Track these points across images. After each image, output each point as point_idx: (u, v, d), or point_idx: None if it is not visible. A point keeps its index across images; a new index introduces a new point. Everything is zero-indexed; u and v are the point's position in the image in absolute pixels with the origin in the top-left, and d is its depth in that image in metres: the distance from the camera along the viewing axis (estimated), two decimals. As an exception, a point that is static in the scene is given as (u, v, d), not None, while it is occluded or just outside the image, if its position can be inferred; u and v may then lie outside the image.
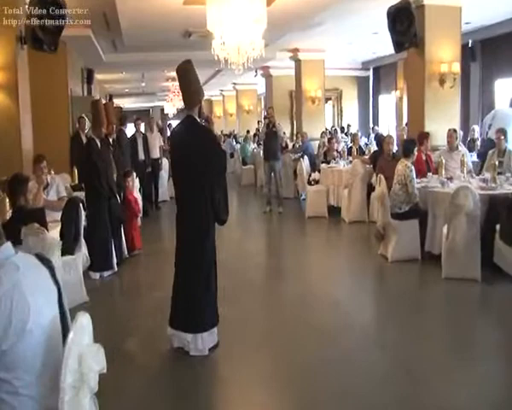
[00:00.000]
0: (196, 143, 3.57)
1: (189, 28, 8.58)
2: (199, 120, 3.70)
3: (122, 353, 3.82)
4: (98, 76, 15.35)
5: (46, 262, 1.81)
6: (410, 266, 5.59)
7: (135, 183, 7.87)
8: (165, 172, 11.13)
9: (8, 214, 3.83)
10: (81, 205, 5.16)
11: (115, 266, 5.95)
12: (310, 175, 9.35)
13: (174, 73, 15.02)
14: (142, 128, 10.36)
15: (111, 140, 6.98)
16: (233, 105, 21.06)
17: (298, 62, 12.48)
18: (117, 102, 25.14)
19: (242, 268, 6.04)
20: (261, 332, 4.20)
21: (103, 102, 6.94)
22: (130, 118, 33.67)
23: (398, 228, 5.65)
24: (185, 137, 3.64)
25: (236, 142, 17.61)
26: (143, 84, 18.39)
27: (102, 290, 5.55)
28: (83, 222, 5.16)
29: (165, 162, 11.19)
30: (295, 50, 12.03)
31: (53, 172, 5.94)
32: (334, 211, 8.64)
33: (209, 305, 3.66)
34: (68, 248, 4.91)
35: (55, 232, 4.70)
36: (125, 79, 16.52)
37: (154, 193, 10.23)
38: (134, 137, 9.73)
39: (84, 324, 1.78)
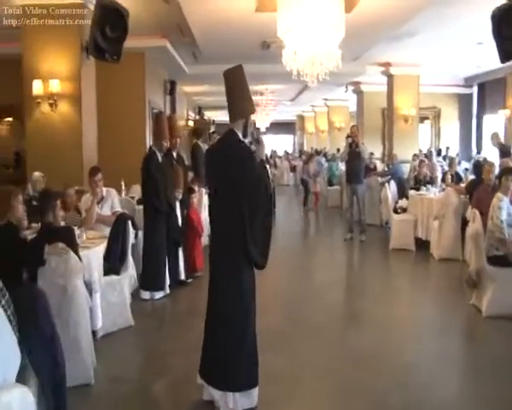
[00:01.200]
0: (230, 165, 3.04)
1: (266, 39, 8.18)
2: (240, 137, 3.15)
3: (147, 395, 3.44)
4: (186, 88, 15.67)
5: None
6: (510, 326, 4.53)
7: (202, 200, 7.59)
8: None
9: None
10: (130, 222, 4.91)
11: (167, 288, 5.65)
12: (396, 202, 8.41)
13: (260, 87, 14.87)
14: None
15: (174, 154, 6.74)
16: (324, 122, 20.49)
17: (390, 77, 11.61)
18: (208, 114, 25.79)
19: (307, 307, 5.33)
20: (317, 395, 3.47)
21: (168, 114, 6.72)
22: (223, 130, 34.68)
23: (496, 275, 4.64)
24: (219, 156, 3.13)
25: (326, 160, 16.95)
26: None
27: (149, 314, 5.28)
28: (130, 240, 4.89)
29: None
30: (387, 64, 11.19)
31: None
32: (422, 244, 7.63)
33: (243, 364, 3.06)
34: (113, 268, 4.68)
35: (100, 248, 4.48)
36: (213, 92, 16.59)
37: None
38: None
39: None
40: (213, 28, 7.52)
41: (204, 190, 7.88)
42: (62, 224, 4.00)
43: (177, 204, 6.04)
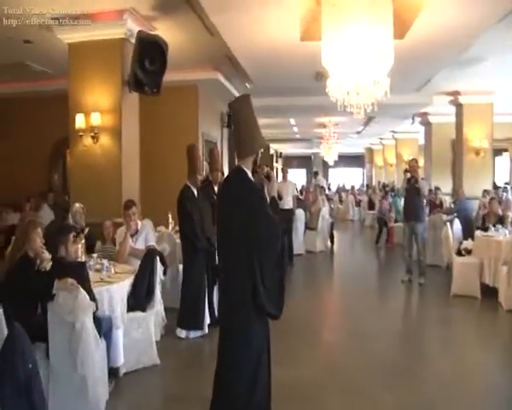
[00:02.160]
0: (236, 203, 2.83)
1: (319, 69, 8.01)
2: (249, 175, 2.95)
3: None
4: (247, 121, 15.84)
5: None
6: None
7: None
8: (300, 224, 10.71)
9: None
10: (158, 258, 4.84)
11: (206, 327, 5.47)
12: (461, 243, 7.73)
13: (324, 119, 14.75)
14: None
15: (216, 188, 6.67)
16: (392, 155, 19.80)
17: (459, 107, 10.95)
18: (275, 147, 25.97)
19: (347, 357, 4.91)
20: None
21: (211, 148, 6.71)
22: (291, 164, 34.50)
23: None
24: (227, 194, 2.93)
25: (393, 195, 16.27)
26: (295, 130, 18.38)
27: (179, 354, 5.11)
28: (158, 277, 4.81)
29: (301, 213, 10.73)
30: (455, 93, 10.59)
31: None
32: (488, 292, 6.87)
33: None
34: (139, 304, 4.60)
35: (125, 284, 4.43)
36: (274, 124, 16.67)
37: (287, 246, 9.70)
38: (261, 185, 9.40)
39: None
40: (261, 60, 7.49)
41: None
42: (83, 258, 4.00)
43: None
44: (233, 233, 2.85)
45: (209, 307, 5.55)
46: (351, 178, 29.86)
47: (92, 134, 5.86)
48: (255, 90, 10.46)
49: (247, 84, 9.60)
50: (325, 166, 29.25)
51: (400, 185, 8.97)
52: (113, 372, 4.16)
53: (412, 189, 7.88)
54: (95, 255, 4.95)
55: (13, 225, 7.74)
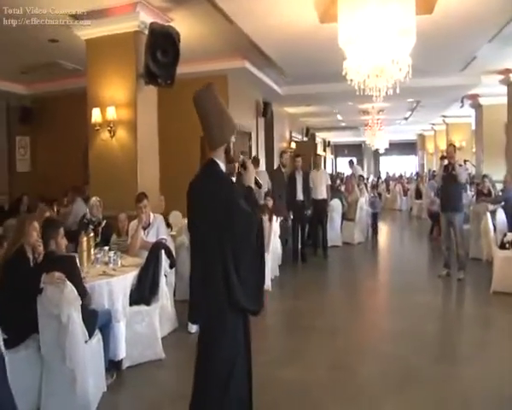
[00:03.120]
0: (210, 198, 2.73)
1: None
2: (221, 167, 2.83)
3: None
4: (289, 109, 15.65)
5: None
6: None
7: (271, 231, 7.29)
8: (336, 214, 10.43)
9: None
10: (163, 252, 4.83)
11: (216, 321, 5.43)
12: (504, 235, 7.19)
13: (367, 105, 14.24)
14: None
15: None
16: (444, 141, 18.86)
17: (510, 86, 10.12)
18: (322, 136, 25.54)
19: (366, 366, 4.54)
20: None
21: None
22: (341, 152, 33.89)
23: None
24: (199, 189, 2.82)
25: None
26: (339, 117, 17.94)
27: (186, 348, 4.98)
28: (162, 271, 4.80)
29: (337, 204, 10.46)
30: (506, 71, 9.82)
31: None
32: (533, 289, 6.34)
33: None
34: (143, 298, 4.62)
35: (127, 277, 4.45)
36: (317, 113, 16.36)
37: (322, 237, 9.49)
38: (293, 175, 9.23)
39: None
40: (283, 44, 7.31)
41: (275, 219, 7.60)
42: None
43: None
44: (205, 226, 2.75)
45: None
46: (403, 166, 28.85)
47: (109, 128, 5.95)
48: (291, 79, 10.30)
49: (282, 73, 9.41)
50: (376, 154, 28.44)
51: (437, 173, 8.48)
52: (114, 365, 4.22)
53: (449, 176, 7.42)
54: (106, 248, 5.03)
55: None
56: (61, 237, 3.62)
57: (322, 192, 9.47)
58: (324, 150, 26.52)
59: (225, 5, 5.51)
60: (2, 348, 3.09)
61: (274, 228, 7.30)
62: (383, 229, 13.95)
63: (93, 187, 6.27)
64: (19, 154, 11.10)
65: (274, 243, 7.43)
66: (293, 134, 17.09)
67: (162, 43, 5.54)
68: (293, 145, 16.15)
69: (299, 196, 9.10)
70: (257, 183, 3.02)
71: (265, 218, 7.38)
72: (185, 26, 6.47)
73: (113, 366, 4.22)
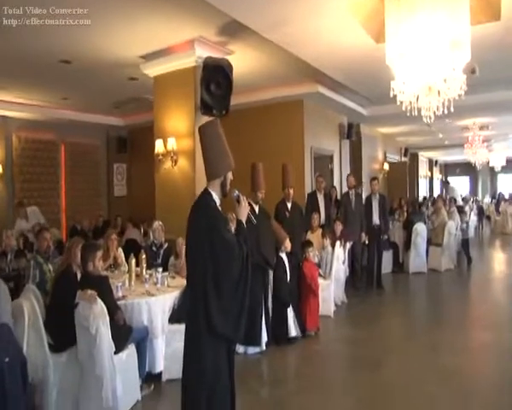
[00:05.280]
0: (196, 225, 3.04)
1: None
2: (215, 198, 3.11)
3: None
4: (382, 130, 15.39)
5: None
6: None
7: (334, 253, 7.30)
8: (421, 239, 10.10)
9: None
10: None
11: (264, 344, 5.69)
12: None
13: (465, 122, 13.50)
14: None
15: (289, 205, 6.77)
16: None
17: None
18: (426, 155, 24.45)
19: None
20: None
21: (283, 164, 6.82)
22: (453, 172, 31.97)
23: None
24: (190, 217, 3.13)
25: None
26: (440, 136, 17.12)
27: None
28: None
29: (421, 228, 10.10)
30: None
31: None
32: None
33: None
34: (182, 317, 4.96)
35: (167, 297, 4.87)
36: (416, 131, 15.79)
37: (377, 265, 9.15)
38: (369, 198, 9.13)
39: None
40: (349, 68, 7.39)
41: (339, 245, 7.56)
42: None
43: (285, 259, 6.06)
44: (192, 252, 3.05)
45: (266, 325, 5.73)
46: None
47: (170, 158, 6.55)
48: (373, 99, 10.26)
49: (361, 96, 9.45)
50: (492, 172, 26.40)
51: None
52: (152, 377, 4.65)
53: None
54: (159, 269, 5.52)
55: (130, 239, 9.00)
56: (98, 260, 4.15)
57: (374, 219, 9.00)
58: (430, 170, 25.29)
59: (273, 37, 5.81)
60: (47, 351, 3.66)
61: (336, 253, 7.30)
62: (486, 255, 12.95)
63: (158, 212, 6.90)
64: (116, 180, 12.49)
65: (337, 270, 7.40)
66: (389, 155, 16.69)
67: (215, 76, 6.00)
68: (386, 166, 15.76)
69: (376, 220, 8.94)
70: (249, 218, 3.27)
71: (327, 242, 7.45)
72: (246, 56, 6.91)
73: (151, 377, 4.66)
